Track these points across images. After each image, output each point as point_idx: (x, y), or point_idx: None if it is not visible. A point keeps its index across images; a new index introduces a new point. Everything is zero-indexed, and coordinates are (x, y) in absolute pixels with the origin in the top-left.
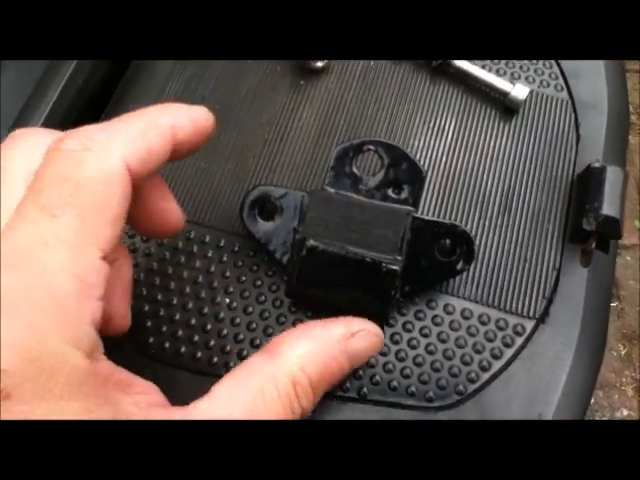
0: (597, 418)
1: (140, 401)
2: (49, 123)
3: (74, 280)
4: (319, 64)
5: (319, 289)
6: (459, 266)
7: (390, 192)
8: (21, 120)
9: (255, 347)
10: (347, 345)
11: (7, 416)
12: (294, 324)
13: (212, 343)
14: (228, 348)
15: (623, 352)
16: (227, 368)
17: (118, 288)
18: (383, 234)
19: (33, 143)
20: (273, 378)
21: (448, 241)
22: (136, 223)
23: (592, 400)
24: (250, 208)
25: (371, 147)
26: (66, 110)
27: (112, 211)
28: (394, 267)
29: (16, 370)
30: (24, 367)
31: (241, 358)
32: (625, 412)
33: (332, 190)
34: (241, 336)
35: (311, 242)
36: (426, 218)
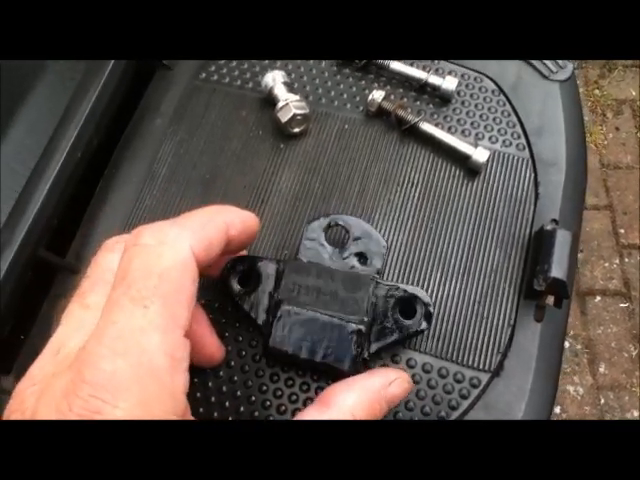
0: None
1: None
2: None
3: (167, 358)
4: (296, 129)
5: (293, 349)
6: (420, 326)
7: (356, 262)
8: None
9: (236, 398)
10: (386, 392)
11: None
12: (271, 378)
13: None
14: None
15: (634, 353)
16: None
17: (203, 328)
18: (351, 298)
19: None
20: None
21: (410, 303)
22: None
23: (602, 401)
24: (232, 276)
25: (339, 222)
26: (72, 172)
27: (187, 294)
28: (360, 327)
29: None
30: None
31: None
32: (636, 413)
33: (304, 260)
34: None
35: (285, 306)
36: (389, 283)
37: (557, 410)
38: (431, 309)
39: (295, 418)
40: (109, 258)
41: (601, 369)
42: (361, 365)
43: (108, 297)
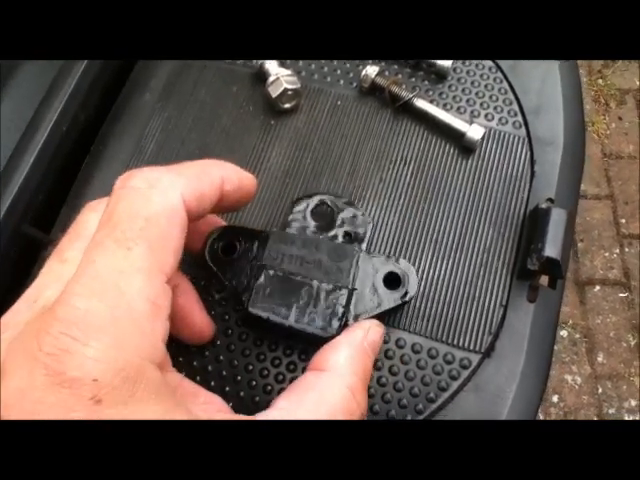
0: (605, 409)
1: (207, 408)
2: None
3: (148, 303)
4: (287, 105)
5: (273, 314)
6: (404, 298)
7: (340, 237)
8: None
9: (221, 377)
10: (368, 342)
11: (99, 418)
12: (257, 358)
13: None
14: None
15: (633, 343)
16: None
17: (192, 304)
18: (335, 267)
19: None
20: (331, 389)
21: (394, 273)
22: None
23: (600, 390)
24: (212, 245)
25: (324, 199)
26: (57, 147)
27: (174, 241)
28: (343, 293)
29: (105, 380)
30: (111, 377)
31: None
32: (633, 402)
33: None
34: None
35: (267, 270)
36: (374, 255)
37: (555, 399)
38: (415, 279)
39: (292, 384)
40: (91, 217)
41: (599, 358)
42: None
43: (91, 239)
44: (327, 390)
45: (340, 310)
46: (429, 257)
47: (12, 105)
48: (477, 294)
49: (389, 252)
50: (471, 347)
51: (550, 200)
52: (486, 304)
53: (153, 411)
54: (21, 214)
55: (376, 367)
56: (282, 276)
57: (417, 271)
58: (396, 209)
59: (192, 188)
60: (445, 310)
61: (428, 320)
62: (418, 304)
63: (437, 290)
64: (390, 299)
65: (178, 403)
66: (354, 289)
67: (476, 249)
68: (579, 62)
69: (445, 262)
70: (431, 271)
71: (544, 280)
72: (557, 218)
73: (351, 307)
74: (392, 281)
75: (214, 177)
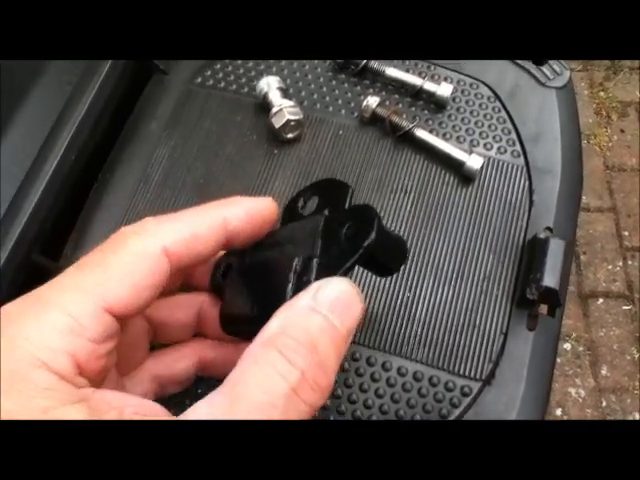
0: None
1: (128, 413)
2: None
3: (66, 317)
4: (290, 135)
5: (243, 309)
6: (363, 241)
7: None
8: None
9: None
10: (317, 298)
11: None
12: None
13: None
14: None
15: (636, 356)
16: None
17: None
18: (303, 238)
19: None
20: (248, 361)
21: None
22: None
23: (604, 404)
24: (215, 275)
25: (307, 193)
26: (66, 175)
27: (135, 279)
28: (297, 261)
29: None
30: None
31: None
32: (637, 416)
33: None
34: None
35: (242, 269)
36: (341, 213)
37: (558, 412)
38: (374, 221)
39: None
40: None
41: (603, 371)
42: None
43: None
44: (246, 364)
45: (292, 281)
46: (430, 284)
47: (24, 134)
48: (477, 322)
49: (390, 279)
50: (472, 375)
51: (549, 229)
52: (486, 332)
53: (30, 408)
54: (30, 243)
55: (378, 394)
56: (247, 269)
57: (420, 299)
58: None
59: (182, 235)
60: (446, 337)
61: (429, 347)
62: (419, 331)
63: (438, 317)
64: (348, 252)
65: (75, 403)
66: (311, 257)
67: (476, 277)
68: (580, 75)
69: (446, 290)
70: (432, 299)
71: (543, 308)
72: (555, 248)
73: (312, 276)
74: (353, 233)
75: (213, 219)
